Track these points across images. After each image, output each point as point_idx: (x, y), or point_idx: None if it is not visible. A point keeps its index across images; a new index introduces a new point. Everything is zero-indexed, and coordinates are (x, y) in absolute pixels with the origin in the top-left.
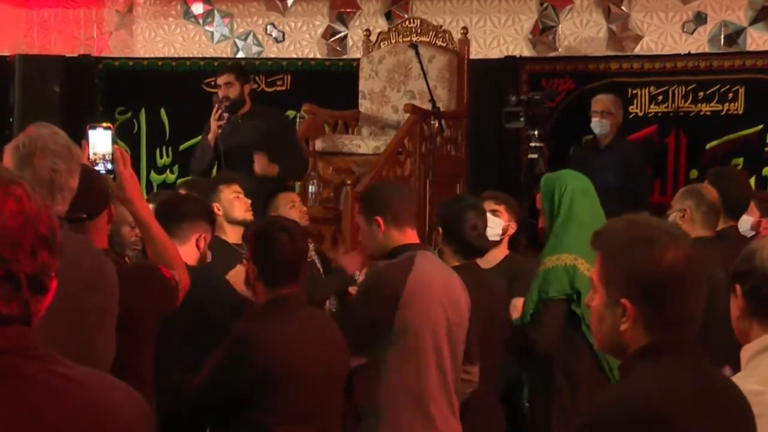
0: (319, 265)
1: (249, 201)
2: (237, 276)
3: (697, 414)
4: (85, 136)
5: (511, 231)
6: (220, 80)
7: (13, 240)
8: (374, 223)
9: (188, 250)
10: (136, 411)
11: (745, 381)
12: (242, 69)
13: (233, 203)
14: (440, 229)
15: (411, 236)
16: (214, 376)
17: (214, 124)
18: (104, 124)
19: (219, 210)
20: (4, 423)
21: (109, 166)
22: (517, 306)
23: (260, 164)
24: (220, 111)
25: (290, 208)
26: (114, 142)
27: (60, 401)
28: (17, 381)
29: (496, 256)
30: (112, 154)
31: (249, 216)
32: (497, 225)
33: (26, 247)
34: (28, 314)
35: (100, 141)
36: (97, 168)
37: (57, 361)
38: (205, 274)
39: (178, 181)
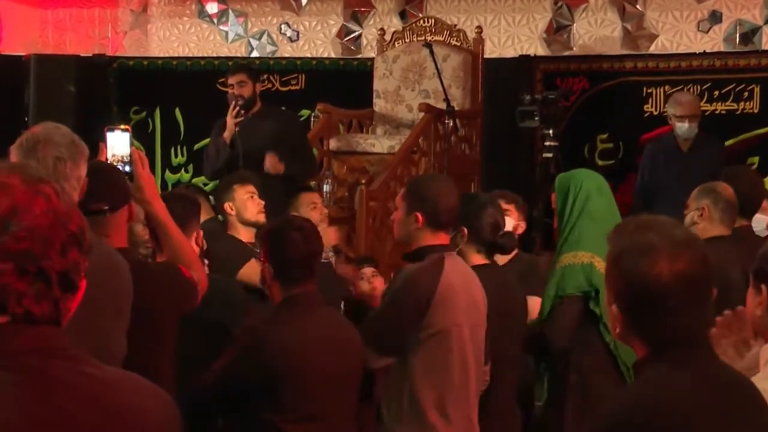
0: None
1: (262, 202)
2: (250, 270)
3: (708, 414)
4: (103, 139)
5: (520, 230)
6: (233, 79)
7: (44, 237)
8: (413, 216)
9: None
10: (166, 413)
11: (764, 381)
12: (254, 68)
13: (246, 204)
14: (465, 230)
15: (442, 237)
16: (225, 374)
17: (231, 122)
18: (122, 126)
19: (232, 210)
20: (35, 425)
21: (127, 168)
22: (533, 307)
23: (270, 162)
24: (237, 109)
25: (311, 209)
26: (132, 143)
27: (91, 403)
28: (48, 382)
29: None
30: (130, 155)
31: (261, 218)
32: (508, 224)
33: (57, 244)
34: (58, 313)
35: (119, 143)
36: None
37: (88, 363)
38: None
39: (193, 179)
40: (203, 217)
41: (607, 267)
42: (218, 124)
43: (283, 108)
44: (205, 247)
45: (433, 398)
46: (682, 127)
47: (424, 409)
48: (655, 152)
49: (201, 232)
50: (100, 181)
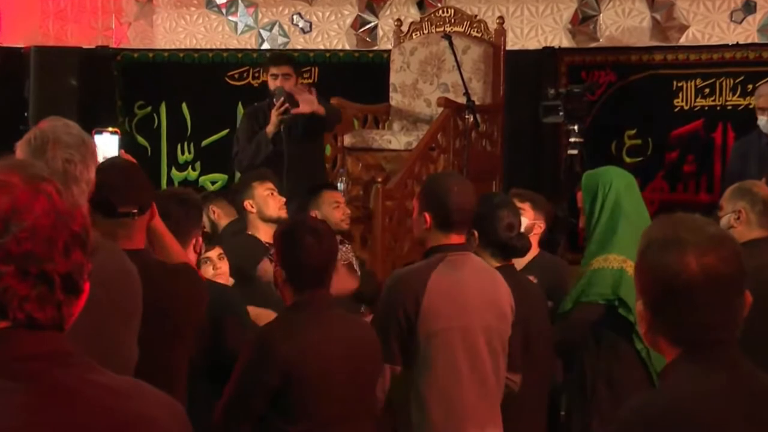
0: (357, 269)
1: (283, 199)
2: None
3: (734, 421)
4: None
5: (538, 230)
6: (277, 70)
7: (46, 238)
8: (422, 216)
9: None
10: (177, 423)
11: None
12: (297, 61)
13: (267, 200)
14: (475, 232)
15: (454, 238)
16: (239, 384)
17: (276, 117)
18: (110, 129)
19: (252, 207)
20: None
21: None
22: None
23: (307, 99)
24: (286, 105)
25: (334, 208)
26: (120, 147)
27: (97, 411)
28: (52, 389)
29: (526, 256)
30: None
31: (283, 214)
32: (522, 224)
33: (59, 245)
34: (61, 318)
35: (107, 146)
36: None
37: (94, 370)
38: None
39: (201, 178)
40: (225, 221)
41: (636, 261)
42: (251, 112)
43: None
44: (203, 253)
45: (441, 405)
46: (761, 120)
47: (432, 418)
48: (744, 152)
49: (200, 239)
50: (130, 182)
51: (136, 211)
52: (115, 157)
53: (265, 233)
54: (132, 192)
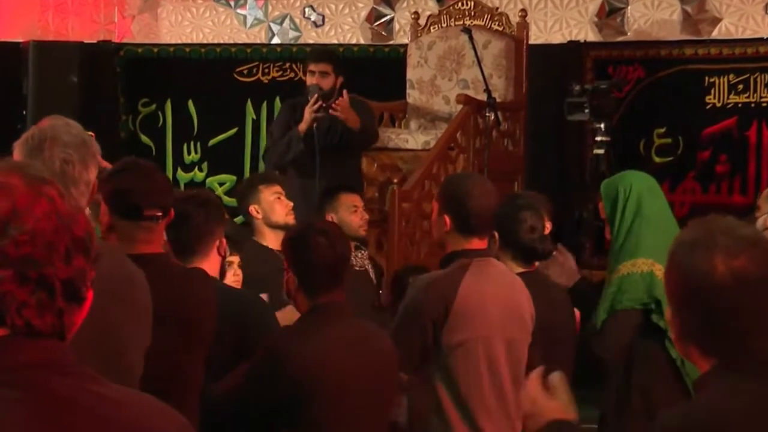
0: (372, 276)
1: (291, 203)
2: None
3: None
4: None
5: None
6: (315, 68)
7: (46, 242)
8: (442, 219)
9: (213, 263)
10: None
11: None
12: (340, 60)
13: (273, 205)
14: (496, 234)
15: (475, 242)
16: (243, 388)
17: (309, 114)
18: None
19: (258, 213)
20: None
21: None
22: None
23: (349, 112)
24: (319, 102)
25: (352, 212)
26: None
27: (97, 424)
28: (50, 400)
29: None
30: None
31: (291, 219)
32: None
33: (61, 250)
34: (62, 326)
35: None
36: None
37: (94, 380)
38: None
39: (208, 180)
40: None
41: (665, 265)
42: (288, 106)
43: (359, 98)
44: (227, 256)
45: (463, 418)
46: None
47: (452, 427)
48: None
49: (224, 241)
50: (155, 184)
51: (160, 214)
52: (134, 157)
53: (272, 240)
54: (157, 195)
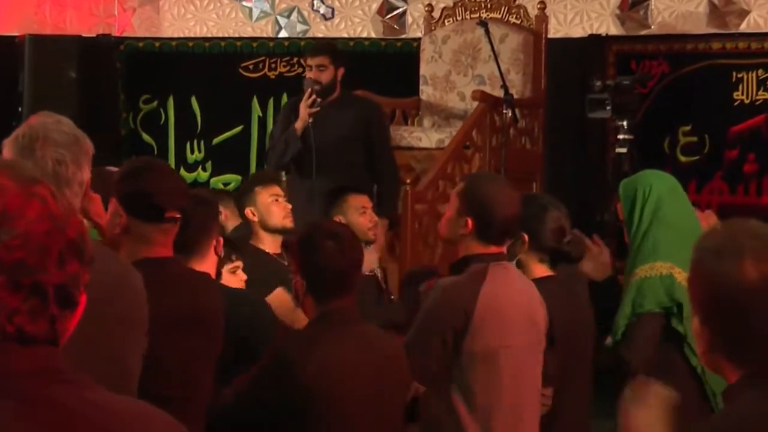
0: (383, 282)
1: (289, 206)
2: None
3: None
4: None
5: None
6: (312, 61)
7: (39, 246)
8: (463, 220)
9: (211, 264)
10: None
11: None
12: (338, 51)
13: (270, 208)
14: (525, 236)
15: (494, 249)
16: (248, 396)
17: (305, 111)
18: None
19: (254, 215)
20: None
21: None
22: None
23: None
24: (313, 97)
25: (360, 214)
26: None
27: None
28: (45, 408)
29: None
30: None
31: (288, 223)
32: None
33: (54, 254)
34: (55, 333)
35: None
36: None
37: (90, 388)
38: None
39: (212, 180)
40: (233, 224)
41: (689, 272)
42: (289, 104)
43: (365, 96)
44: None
45: (480, 426)
46: None
47: None
48: None
49: (221, 240)
50: (176, 184)
51: (179, 216)
52: (147, 157)
53: (270, 244)
54: (177, 196)
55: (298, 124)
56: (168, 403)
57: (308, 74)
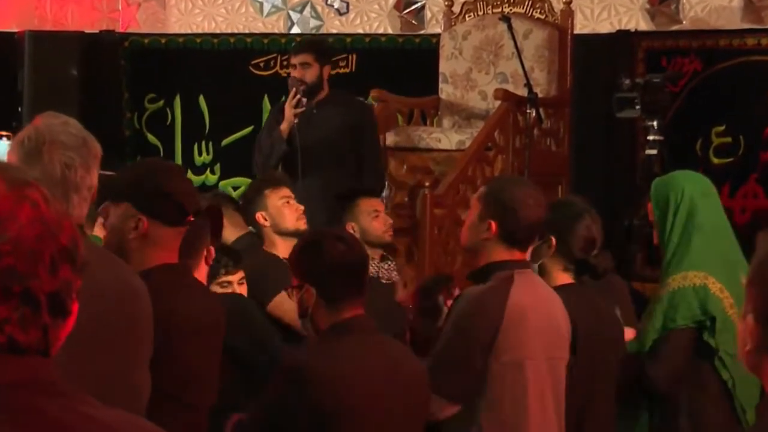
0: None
1: (301, 207)
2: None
3: None
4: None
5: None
6: (296, 59)
7: (30, 252)
8: (486, 224)
9: (202, 273)
10: None
11: None
12: (323, 48)
13: (282, 211)
14: (553, 240)
15: (518, 255)
16: (264, 414)
17: (290, 111)
18: (3, 133)
19: (266, 220)
20: None
21: None
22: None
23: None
24: (298, 96)
25: (373, 218)
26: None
27: None
28: (36, 421)
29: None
30: None
31: (302, 225)
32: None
33: (46, 260)
34: (47, 343)
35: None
36: None
37: (82, 400)
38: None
39: (221, 183)
40: (235, 233)
41: (749, 271)
42: (277, 106)
43: (355, 96)
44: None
45: None
46: None
47: None
48: None
49: (212, 250)
50: (191, 185)
51: (193, 219)
52: (156, 158)
53: (283, 249)
54: (196, 197)
55: (283, 126)
56: (196, 411)
57: (292, 73)
